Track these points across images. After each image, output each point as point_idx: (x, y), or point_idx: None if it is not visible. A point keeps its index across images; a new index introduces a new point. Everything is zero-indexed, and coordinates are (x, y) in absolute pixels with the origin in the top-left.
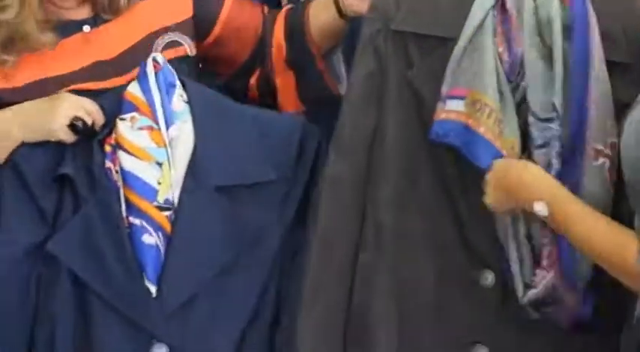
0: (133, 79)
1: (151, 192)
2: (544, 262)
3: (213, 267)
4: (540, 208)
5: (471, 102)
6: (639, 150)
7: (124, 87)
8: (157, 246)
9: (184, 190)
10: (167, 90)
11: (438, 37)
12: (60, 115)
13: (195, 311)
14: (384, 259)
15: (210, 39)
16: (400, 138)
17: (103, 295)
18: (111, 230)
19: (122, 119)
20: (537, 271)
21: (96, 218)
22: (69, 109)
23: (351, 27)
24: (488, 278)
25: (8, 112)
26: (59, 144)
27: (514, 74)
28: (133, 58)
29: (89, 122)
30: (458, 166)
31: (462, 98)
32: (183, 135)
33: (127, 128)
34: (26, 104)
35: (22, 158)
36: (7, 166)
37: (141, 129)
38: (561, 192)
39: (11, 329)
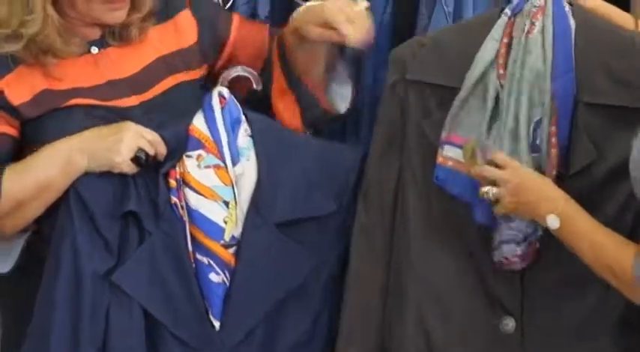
0: (145, 100)
1: (217, 232)
2: None
3: (273, 301)
4: (552, 221)
5: (469, 152)
6: None
7: (139, 108)
8: (224, 283)
9: (247, 226)
10: (232, 126)
11: (451, 88)
12: (124, 148)
13: (255, 341)
14: (408, 306)
15: (222, 61)
16: (418, 188)
17: (168, 326)
18: (176, 264)
19: (189, 156)
20: None
21: (161, 250)
22: (132, 140)
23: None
24: (509, 324)
25: (72, 139)
26: (122, 176)
27: None
28: (147, 78)
29: (152, 153)
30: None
31: (459, 146)
32: (247, 171)
33: (193, 166)
34: (90, 131)
35: (85, 188)
36: (72, 194)
37: (207, 167)
38: (571, 206)
39: None
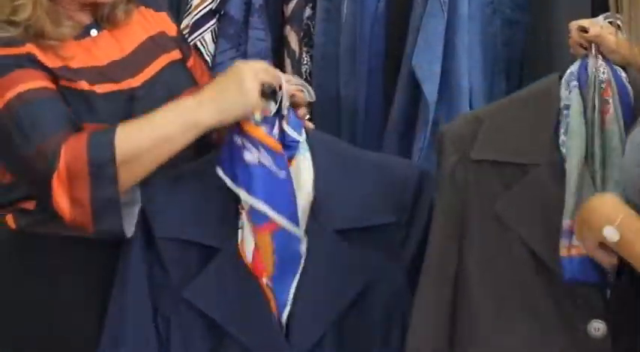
0: (146, 80)
1: None
2: None
3: (338, 307)
4: (611, 233)
5: None
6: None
7: (142, 88)
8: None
9: (307, 233)
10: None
11: (518, 164)
12: (251, 93)
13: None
14: None
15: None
16: (484, 275)
17: (238, 338)
18: (242, 276)
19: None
20: None
21: (227, 264)
22: (254, 82)
23: None
24: None
25: (193, 100)
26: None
27: None
28: (142, 57)
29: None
30: (549, 295)
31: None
32: (299, 170)
33: None
34: (206, 90)
35: (153, 211)
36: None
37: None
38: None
39: None
